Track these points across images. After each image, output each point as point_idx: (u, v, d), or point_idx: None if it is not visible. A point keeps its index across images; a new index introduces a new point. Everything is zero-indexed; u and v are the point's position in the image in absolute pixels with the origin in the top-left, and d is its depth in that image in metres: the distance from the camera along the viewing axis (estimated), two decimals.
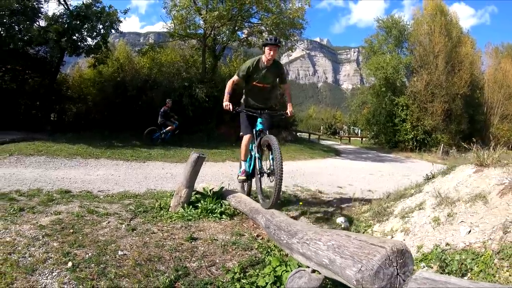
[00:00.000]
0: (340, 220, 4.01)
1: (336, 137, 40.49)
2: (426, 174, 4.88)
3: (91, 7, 14.00)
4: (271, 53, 4.19)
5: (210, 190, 4.31)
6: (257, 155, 4.15)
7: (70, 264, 2.32)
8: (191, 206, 3.91)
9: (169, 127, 12.36)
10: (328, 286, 1.92)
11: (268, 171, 3.95)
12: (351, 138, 34.99)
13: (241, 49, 19.93)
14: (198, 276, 2.29)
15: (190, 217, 3.59)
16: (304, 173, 8.78)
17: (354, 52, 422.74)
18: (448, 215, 3.29)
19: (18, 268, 2.22)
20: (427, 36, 25.54)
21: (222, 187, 4.50)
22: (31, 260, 2.33)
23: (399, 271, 1.37)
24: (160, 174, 6.73)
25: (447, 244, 2.85)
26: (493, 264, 2.35)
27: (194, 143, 13.03)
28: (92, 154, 8.31)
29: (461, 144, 24.21)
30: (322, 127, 48.33)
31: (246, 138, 4.42)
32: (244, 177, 4.43)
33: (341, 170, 10.11)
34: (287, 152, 14.46)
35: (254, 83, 4.40)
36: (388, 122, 24.36)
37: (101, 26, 14.29)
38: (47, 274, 2.20)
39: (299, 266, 2.08)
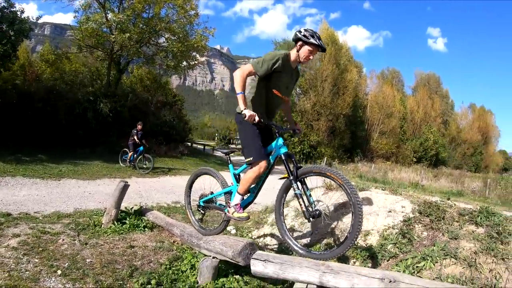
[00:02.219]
0: (230, 228, 5.35)
1: (231, 147, 40.64)
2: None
3: (3, 11, 13.13)
4: (311, 57, 3.17)
5: (131, 209, 5.21)
6: (298, 191, 2.95)
7: (59, 271, 3.16)
8: (119, 223, 4.82)
9: (129, 153, 12.64)
10: (221, 266, 3.45)
11: (314, 212, 2.92)
12: None
13: (144, 67, 20.66)
14: (143, 269, 3.56)
15: (122, 231, 4.57)
16: (202, 188, 9.91)
17: None
18: (300, 224, 4.76)
19: (25, 280, 2.94)
20: (317, 62, 28.69)
21: (141, 206, 5.47)
22: (30, 273, 3.06)
23: (251, 252, 3.04)
24: (79, 193, 7.46)
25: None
26: None
27: (98, 156, 13.54)
28: (6, 171, 8.61)
29: (343, 156, 27.74)
30: (216, 137, 49.22)
31: (261, 167, 3.10)
32: (245, 215, 3.20)
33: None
34: (184, 166, 15.51)
35: (275, 90, 3.19)
36: None
37: (12, 33, 13.36)
38: (48, 280, 3.01)
39: (205, 256, 3.55)
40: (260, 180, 3.33)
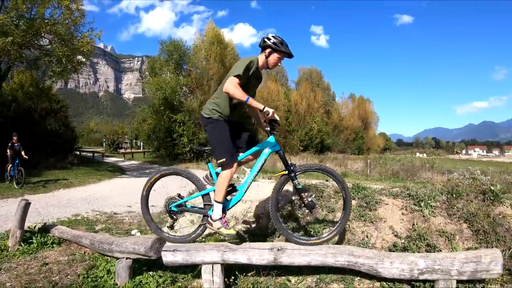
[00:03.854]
0: (134, 231, 5.71)
1: (120, 152, 39.52)
2: (189, 191, 6.67)
3: None
4: (279, 64, 3.28)
5: (35, 227, 5.12)
6: (300, 186, 3.18)
7: None
8: (26, 243, 4.72)
9: (8, 168, 11.61)
10: (135, 265, 3.83)
11: (311, 203, 3.22)
12: (134, 154, 35.33)
13: (26, 73, 18.76)
14: (63, 282, 3.69)
15: (31, 251, 4.52)
16: (98, 197, 9.91)
17: (138, 61, 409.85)
18: (198, 217, 5.01)
19: None
20: (204, 61, 28.85)
21: (45, 223, 5.37)
22: None
23: (160, 246, 3.46)
24: None
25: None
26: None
27: None
28: None
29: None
30: (104, 143, 46.46)
31: (234, 167, 3.21)
32: (234, 232, 3.29)
33: (128, 190, 11.41)
34: (76, 177, 14.71)
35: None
36: (167, 137, 26.39)
37: None
38: None
39: (118, 259, 3.83)
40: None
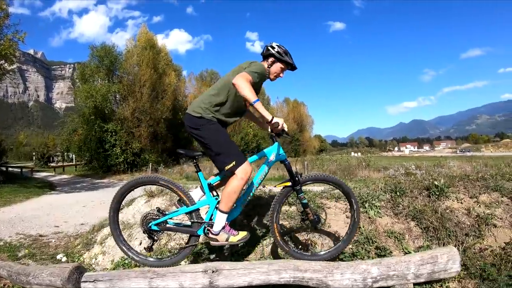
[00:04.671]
0: (59, 256, 5.14)
1: (50, 165, 36.81)
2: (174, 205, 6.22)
3: None
4: (281, 75, 3.02)
5: None
6: (305, 200, 2.88)
7: None
8: None
9: None
10: None
11: (317, 218, 2.92)
12: (65, 167, 33.12)
13: None
14: None
15: None
16: (23, 218, 8.89)
17: (70, 69, 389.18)
18: (128, 236, 4.72)
19: None
20: (136, 67, 27.45)
21: None
22: None
23: (80, 276, 2.99)
24: None
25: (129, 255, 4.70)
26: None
27: None
28: None
29: (168, 160, 27.53)
30: (34, 157, 43.05)
31: (247, 171, 2.71)
32: (244, 234, 2.82)
33: (57, 208, 10.50)
34: (1, 196, 13.21)
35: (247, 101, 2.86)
36: (99, 148, 24.93)
37: None
38: None
39: None
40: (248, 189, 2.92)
